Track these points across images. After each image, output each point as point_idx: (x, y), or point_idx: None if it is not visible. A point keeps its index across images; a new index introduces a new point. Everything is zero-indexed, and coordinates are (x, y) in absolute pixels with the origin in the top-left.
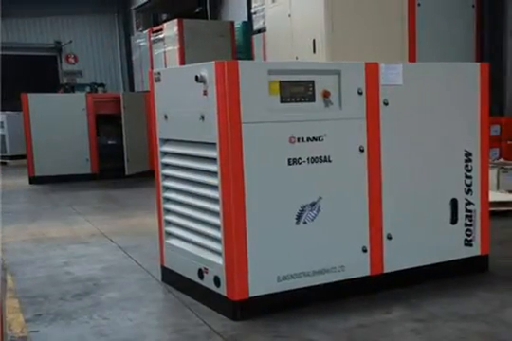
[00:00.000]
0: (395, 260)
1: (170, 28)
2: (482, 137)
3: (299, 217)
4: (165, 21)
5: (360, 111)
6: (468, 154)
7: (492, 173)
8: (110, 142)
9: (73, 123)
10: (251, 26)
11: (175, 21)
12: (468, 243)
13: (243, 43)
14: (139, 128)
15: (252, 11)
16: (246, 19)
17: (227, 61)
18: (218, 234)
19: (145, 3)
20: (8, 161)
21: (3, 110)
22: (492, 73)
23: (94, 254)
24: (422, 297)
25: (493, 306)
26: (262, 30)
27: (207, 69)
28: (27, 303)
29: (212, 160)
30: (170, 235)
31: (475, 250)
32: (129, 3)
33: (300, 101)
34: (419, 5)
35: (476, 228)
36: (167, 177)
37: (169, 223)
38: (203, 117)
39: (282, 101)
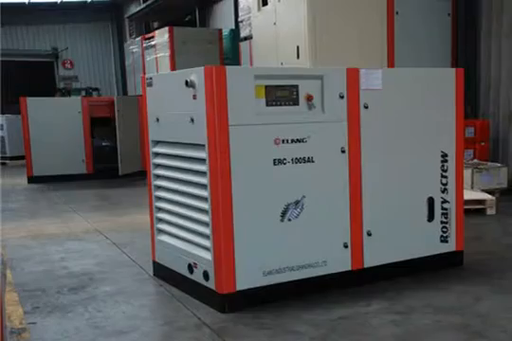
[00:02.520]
0: (375, 256)
1: (161, 36)
2: (457, 139)
3: (283, 214)
4: (157, 28)
5: (342, 114)
6: (444, 155)
7: (467, 173)
8: (104, 144)
9: (69, 126)
10: (238, 33)
11: (166, 28)
12: (444, 240)
13: (230, 49)
14: (132, 130)
15: (239, 20)
16: (233, 27)
17: (215, 66)
18: (207, 231)
19: (138, 11)
20: (7, 161)
21: (2, 113)
22: (467, 78)
23: (89, 250)
24: (400, 291)
25: (467, 299)
26: (248, 38)
27: (196, 74)
28: (25, 296)
29: (201, 161)
30: (161, 232)
31: (450, 246)
32: (122, 12)
33: (284, 105)
34: (397, 13)
35: (451, 225)
36: (158, 177)
37: (160, 220)
38: (192, 120)
39: (267, 105)
